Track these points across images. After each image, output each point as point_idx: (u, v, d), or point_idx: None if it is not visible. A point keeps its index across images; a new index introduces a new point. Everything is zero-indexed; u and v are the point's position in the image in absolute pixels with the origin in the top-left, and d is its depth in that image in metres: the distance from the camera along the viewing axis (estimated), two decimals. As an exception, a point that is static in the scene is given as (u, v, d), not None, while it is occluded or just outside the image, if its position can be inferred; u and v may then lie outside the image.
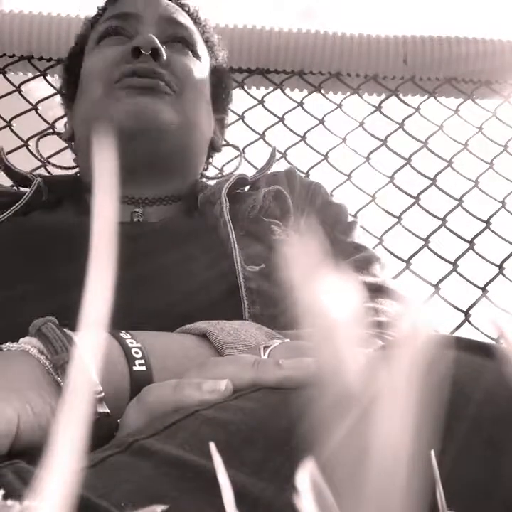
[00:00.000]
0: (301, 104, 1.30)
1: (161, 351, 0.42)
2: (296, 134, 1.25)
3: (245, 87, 1.32)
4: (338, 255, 0.67)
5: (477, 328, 1.01)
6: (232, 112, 1.25)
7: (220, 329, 0.46)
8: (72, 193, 0.76)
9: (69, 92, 0.86)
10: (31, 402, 0.35)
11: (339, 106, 1.31)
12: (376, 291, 0.63)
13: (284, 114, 1.28)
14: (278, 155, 1.19)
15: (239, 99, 1.30)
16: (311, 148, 1.24)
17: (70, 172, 0.86)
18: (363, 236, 0.78)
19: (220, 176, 0.92)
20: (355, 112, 1.31)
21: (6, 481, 0.24)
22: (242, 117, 1.25)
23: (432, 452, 0.19)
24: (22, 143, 1.14)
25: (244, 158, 1.15)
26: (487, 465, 0.26)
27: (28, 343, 0.39)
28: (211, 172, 0.93)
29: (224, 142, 0.91)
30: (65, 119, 0.92)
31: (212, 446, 0.16)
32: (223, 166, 1.03)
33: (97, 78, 0.74)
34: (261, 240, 0.63)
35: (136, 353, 0.40)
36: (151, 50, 0.72)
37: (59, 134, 0.92)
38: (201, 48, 0.82)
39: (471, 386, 0.29)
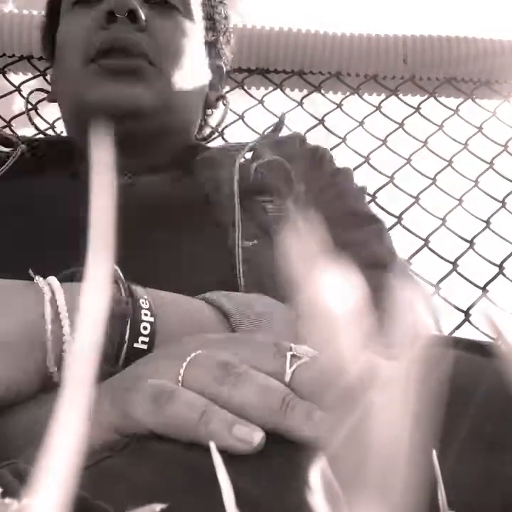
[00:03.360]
0: (301, 104, 1.30)
1: (173, 326, 0.40)
2: (296, 133, 1.25)
3: (245, 87, 1.32)
4: (348, 225, 0.65)
5: (477, 328, 1.00)
6: (232, 111, 1.25)
7: (241, 313, 0.43)
8: (58, 158, 0.73)
9: (49, 53, 0.82)
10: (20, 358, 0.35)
11: (339, 106, 1.31)
12: (390, 268, 0.62)
13: (284, 114, 1.27)
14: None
15: (239, 99, 1.30)
16: (311, 148, 1.23)
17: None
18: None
19: (212, 137, 0.87)
20: (355, 111, 1.31)
21: (5, 481, 0.24)
22: (242, 117, 1.25)
23: (434, 452, 0.19)
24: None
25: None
26: (487, 465, 0.26)
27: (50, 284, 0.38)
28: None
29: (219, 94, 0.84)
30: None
31: (212, 445, 0.16)
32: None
33: (72, 50, 0.69)
34: (254, 220, 0.60)
35: (145, 328, 0.38)
36: (127, 13, 0.66)
37: (46, 92, 0.90)
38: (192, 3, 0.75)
39: (471, 386, 0.29)
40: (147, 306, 0.39)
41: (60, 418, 0.11)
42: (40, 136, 0.89)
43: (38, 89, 0.93)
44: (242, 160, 0.67)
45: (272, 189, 0.64)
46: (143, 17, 0.67)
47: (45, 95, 0.92)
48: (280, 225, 0.59)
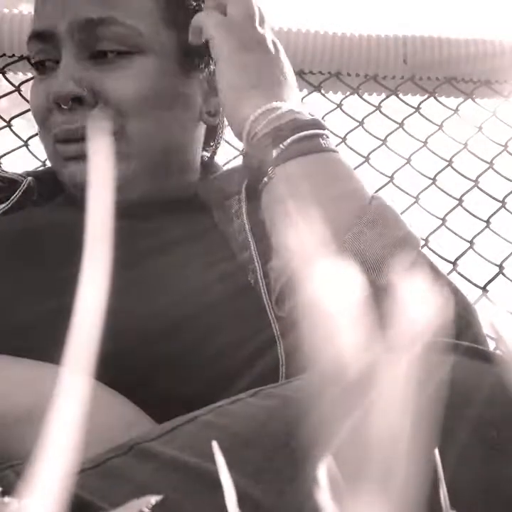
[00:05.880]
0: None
1: None
2: (296, 133, 1.25)
3: (245, 87, 1.32)
4: None
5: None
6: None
7: None
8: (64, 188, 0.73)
9: None
10: None
11: (339, 106, 1.31)
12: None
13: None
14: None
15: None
16: (311, 148, 1.23)
17: None
18: None
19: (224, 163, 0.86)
20: (355, 111, 1.31)
21: (7, 481, 0.24)
22: (242, 117, 1.25)
23: (436, 452, 0.19)
24: (22, 143, 1.15)
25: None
26: (487, 466, 0.27)
27: None
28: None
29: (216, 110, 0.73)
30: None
31: (214, 444, 0.16)
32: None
33: (40, 125, 0.68)
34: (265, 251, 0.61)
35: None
36: (72, 100, 0.62)
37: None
38: (145, 25, 0.65)
39: (471, 390, 0.29)
40: None
41: (57, 421, 0.11)
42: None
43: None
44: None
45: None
46: (87, 97, 0.63)
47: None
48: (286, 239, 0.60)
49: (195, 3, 0.70)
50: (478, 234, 1.15)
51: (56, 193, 0.73)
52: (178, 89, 0.68)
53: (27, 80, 1.29)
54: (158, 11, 0.67)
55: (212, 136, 0.78)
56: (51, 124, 0.66)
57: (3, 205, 0.68)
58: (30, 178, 0.72)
